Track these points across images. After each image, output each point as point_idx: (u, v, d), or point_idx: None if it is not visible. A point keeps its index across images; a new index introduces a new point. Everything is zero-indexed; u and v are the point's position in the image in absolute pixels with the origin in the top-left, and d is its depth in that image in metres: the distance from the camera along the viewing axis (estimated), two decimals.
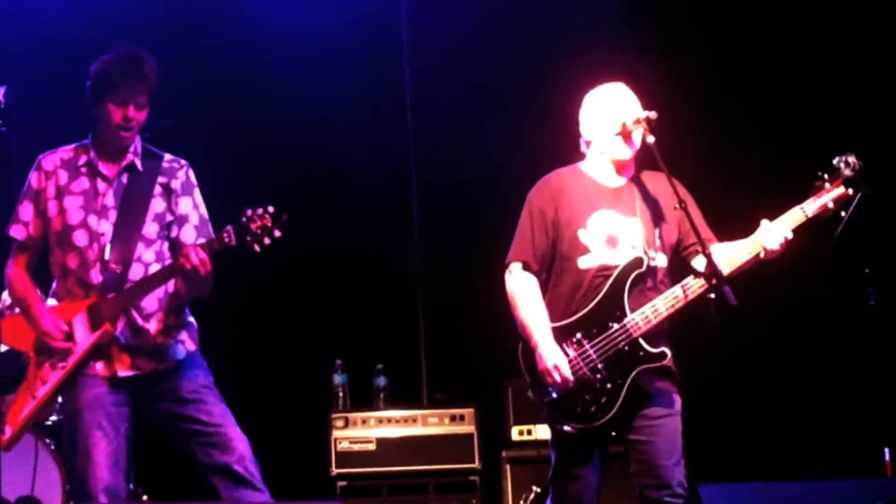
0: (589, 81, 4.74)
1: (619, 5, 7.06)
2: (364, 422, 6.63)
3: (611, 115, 4.54)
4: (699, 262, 4.41)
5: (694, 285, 4.39)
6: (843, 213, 4.44)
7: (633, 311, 4.41)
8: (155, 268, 4.47)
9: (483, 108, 7.32)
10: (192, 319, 4.66)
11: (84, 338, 4.40)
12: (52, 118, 6.38)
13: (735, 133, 7.02)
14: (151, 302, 4.51)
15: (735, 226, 4.53)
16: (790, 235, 4.41)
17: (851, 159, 4.44)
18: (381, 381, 6.84)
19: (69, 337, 4.42)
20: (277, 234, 4.32)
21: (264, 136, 7.26)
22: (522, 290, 4.51)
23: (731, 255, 4.42)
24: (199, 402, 4.49)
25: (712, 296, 4.26)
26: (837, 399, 6.90)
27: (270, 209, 4.33)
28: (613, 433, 4.44)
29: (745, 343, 6.52)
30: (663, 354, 4.41)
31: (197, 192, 4.64)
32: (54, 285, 4.57)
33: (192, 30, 7.07)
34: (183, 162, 4.66)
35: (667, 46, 6.97)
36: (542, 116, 6.83)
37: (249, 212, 4.32)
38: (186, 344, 4.58)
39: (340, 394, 6.81)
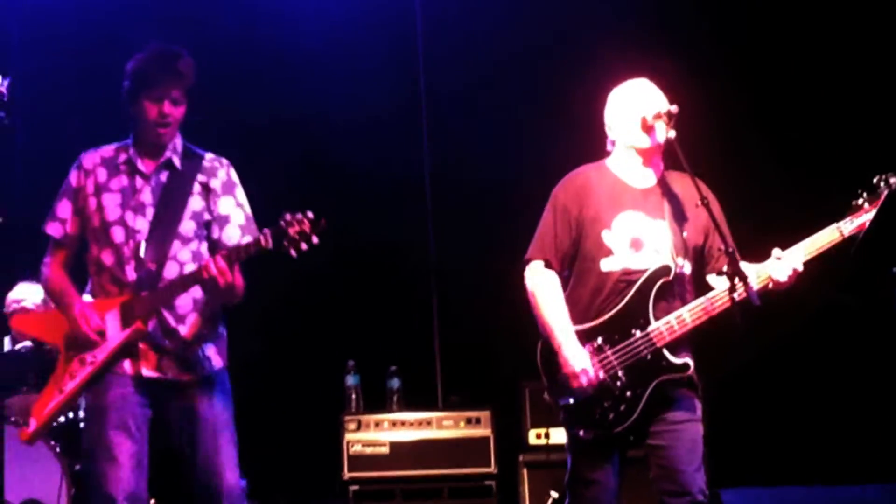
0: (606, 79, 4.68)
1: (643, 9, 7.03)
2: (377, 424, 6.59)
3: (632, 109, 4.47)
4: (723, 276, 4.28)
5: (722, 298, 4.29)
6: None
7: (657, 319, 4.33)
8: (190, 267, 4.42)
9: (498, 103, 7.27)
10: (223, 331, 4.60)
11: (115, 334, 4.37)
12: (57, 110, 6.31)
13: (754, 150, 6.99)
14: (186, 303, 4.46)
15: (746, 250, 4.38)
16: (800, 268, 4.32)
17: (894, 180, 4.34)
18: (395, 382, 6.81)
19: (101, 333, 4.38)
20: (315, 240, 4.25)
21: (274, 135, 7.25)
22: (544, 287, 4.43)
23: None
24: (209, 436, 4.41)
25: (736, 297, 4.16)
26: (862, 403, 6.85)
27: (310, 214, 4.25)
28: (632, 438, 4.36)
29: (768, 346, 6.39)
30: (686, 366, 4.33)
31: (239, 191, 4.60)
32: (90, 283, 4.53)
33: (197, 23, 7.03)
34: (224, 161, 4.63)
35: (688, 56, 6.90)
36: (558, 112, 6.82)
37: (288, 216, 4.24)
38: (213, 360, 4.51)
39: (353, 395, 6.77)
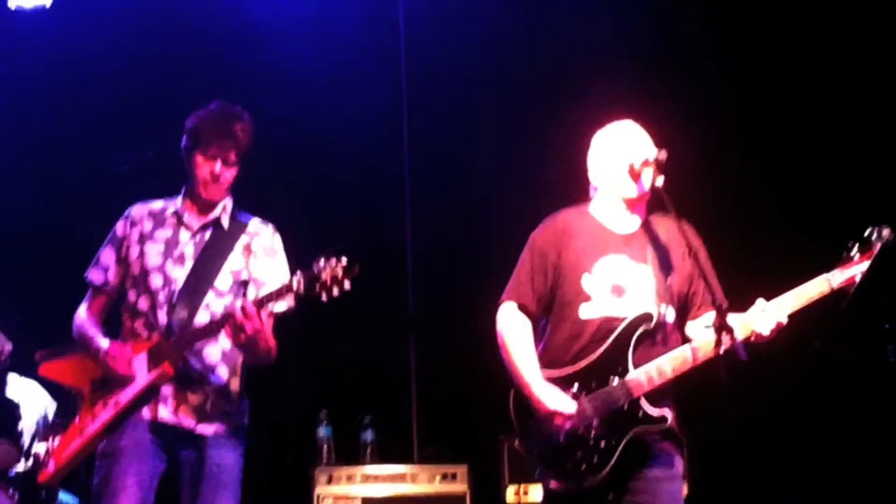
0: (593, 110, 4.64)
1: (633, 43, 6.95)
2: (349, 478, 6.46)
3: (618, 155, 4.39)
4: (709, 320, 4.20)
5: (704, 348, 4.17)
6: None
7: (636, 367, 4.21)
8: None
9: (481, 138, 7.26)
10: (244, 391, 4.60)
11: (141, 377, 4.36)
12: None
13: (744, 195, 6.92)
14: (215, 353, 4.47)
15: (733, 295, 4.30)
16: (784, 320, 4.19)
17: (886, 232, 4.25)
18: (369, 434, 6.73)
19: (128, 375, 4.39)
20: (347, 286, 4.16)
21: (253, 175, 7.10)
22: (512, 329, 4.36)
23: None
24: (210, 493, 4.40)
25: (722, 351, 3.99)
26: (855, 457, 6.73)
27: (344, 260, 4.17)
28: (611, 496, 4.22)
29: (756, 400, 6.34)
30: (663, 419, 4.21)
31: (281, 258, 4.61)
32: (122, 331, 4.55)
33: (178, 27, 7.09)
34: (271, 225, 4.68)
35: (677, 96, 6.85)
36: (544, 146, 6.76)
37: (323, 260, 4.18)
38: (234, 417, 4.51)
39: (325, 447, 6.69)
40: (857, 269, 4.24)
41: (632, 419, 4.19)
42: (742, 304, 4.24)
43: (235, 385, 4.52)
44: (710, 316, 4.24)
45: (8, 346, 6.07)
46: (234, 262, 4.53)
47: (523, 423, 4.26)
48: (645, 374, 4.19)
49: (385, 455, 6.67)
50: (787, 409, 6.76)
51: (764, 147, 6.96)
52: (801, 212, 6.78)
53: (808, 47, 6.87)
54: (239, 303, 4.21)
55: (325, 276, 4.14)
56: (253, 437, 6.80)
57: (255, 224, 4.63)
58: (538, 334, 4.40)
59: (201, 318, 4.40)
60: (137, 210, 4.63)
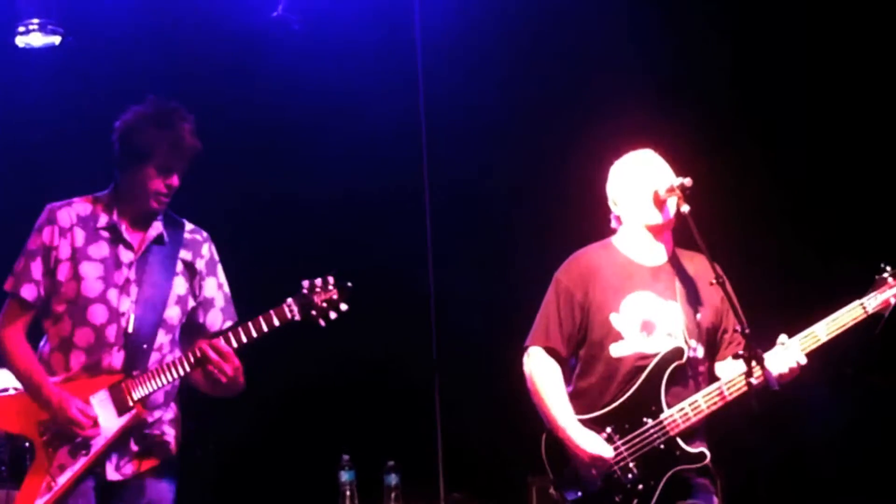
0: (618, 137, 4.63)
1: (654, 72, 6.85)
2: None
3: (641, 183, 4.38)
4: (738, 362, 4.15)
5: (738, 383, 4.17)
6: None
7: (670, 405, 4.24)
8: (172, 357, 4.26)
9: (500, 168, 7.15)
10: (177, 409, 4.43)
11: (111, 422, 4.15)
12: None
13: (771, 224, 6.78)
14: (158, 395, 4.27)
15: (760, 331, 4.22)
16: (804, 361, 4.19)
17: None
18: (393, 478, 6.54)
19: (94, 420, 4.15)
20: (344, 307, 4.19)
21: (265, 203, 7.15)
22: (543, 374, 4.35)
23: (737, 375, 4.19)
24: None
25: (753, 381, 4.01)
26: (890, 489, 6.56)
27: (331, 280, 4.18)
28: None
29: (785, 430, 6.21)
30: (702, 455, 4.23)
31: (220, 270, 4.46)
32: (45, 352, 4.26)
33: (191, 55, 6.99)
34: (205, 234, 4.46)
35: (702, 124, 6.76)
36: (567, 174, 6.66)
37: (308, 283, 4.18)
38: (172, 445, 4.34)
39: (347, 492, 6.47)
40: (891, 292, 4.25)
41: (670, 459, 4.18)
42: (770, 340, 4.22)
43: (173, 419, 4.36)
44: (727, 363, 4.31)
45: None
46: (178, 287, 4.30)
47: (558, 469, 4.25)
48: (680, 411, 4.19)
49: (410, 499, 6.54)
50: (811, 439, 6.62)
51: (788, 177, 6.83)
52: (828, 241, 6.64)
53: (835, 78, 6.75)
54: (217, 346, 4.12)
55: (319, 300, 4.13)
56: (274, 481, 6.80)
57: (191, 234, 4.40)
58: (567, 375, 4.39)
59: (154, 358, 4.22)
60: (64, 215, 4.25)
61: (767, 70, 6.88)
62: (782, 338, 4.21)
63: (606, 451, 4.16)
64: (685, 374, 4.26)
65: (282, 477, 6.85)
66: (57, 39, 6.70)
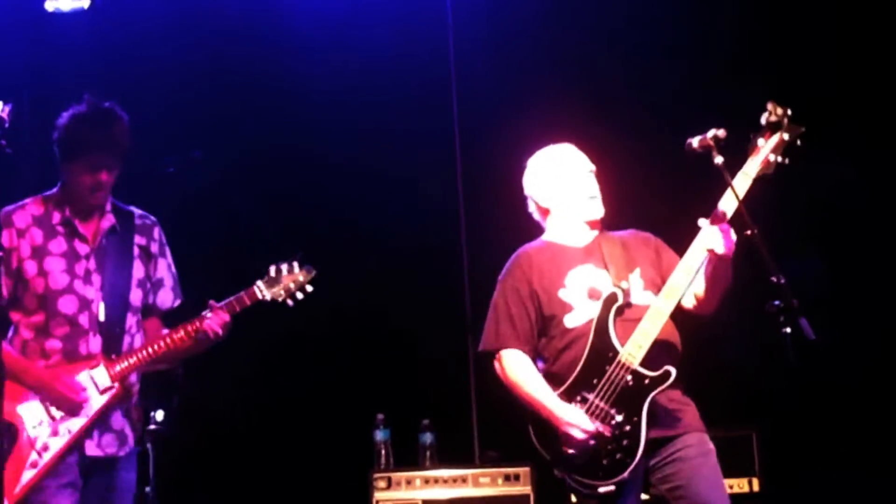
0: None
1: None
2: (409, 482, 6.38)
3: (578, 180, 4.62)
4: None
5: (672, 286, 4.34)
6: (786, 160, 4.35)
7: (622, 345, 4.37)
8: (139, 337, 4.50)
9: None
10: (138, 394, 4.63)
11: (94, 399, 4.34)
12: None
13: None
14: (133, 374, 4.50)
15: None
16: (733, 234, 4.28)
17: (771, 106, 4.35)
18: (428, 437, 6.63)
19: (84, 391, 4.36)
20: (309, 288, 4.48)
21: (300, 174, 7.20)
22: (518, 370, 4.51)
23: (686, 266, 4.35)
24: None
25: (788, 330, 3.98)
26: None
27: (296, 264, 4.49)
28: (651, 486, 4.39)
29: (825, 384, 6.07)
30: (667, 373, 4.32)
31: (168, 251, 4.71)
32: (15, 343, 4.42)
33: (215, 42, 7.05)
34: (153, 219, 4.70)
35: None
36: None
37: (274, 267, 4.46)
38: (133, 436, 4.53)
39: (383, 451, 6.59)
40: (765, 150, 4.32)
41: (641, 389, 4.30)
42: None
43: (139, 397, 4.55)
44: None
45: None
46: (137, 271, 4.53)
47: (551, 448, 4.38)
48: (632, 343, 4.31)
49: (445, 458, 6.58)
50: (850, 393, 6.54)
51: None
52: None
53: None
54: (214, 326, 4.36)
55: (286, 281, 4.44)
56: (310, 442, 6.82)
57: (140, 219, 4.62)
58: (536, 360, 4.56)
59: (126, 341, 4.42)
60: (20, 217, 4.46)
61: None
62: (702, 222, 4.29)
63: (578, 415, 4.29)
64: (630, 314, 4.39)
65: (318, 436, 6.87)
66: (86, 3, 6.75)
